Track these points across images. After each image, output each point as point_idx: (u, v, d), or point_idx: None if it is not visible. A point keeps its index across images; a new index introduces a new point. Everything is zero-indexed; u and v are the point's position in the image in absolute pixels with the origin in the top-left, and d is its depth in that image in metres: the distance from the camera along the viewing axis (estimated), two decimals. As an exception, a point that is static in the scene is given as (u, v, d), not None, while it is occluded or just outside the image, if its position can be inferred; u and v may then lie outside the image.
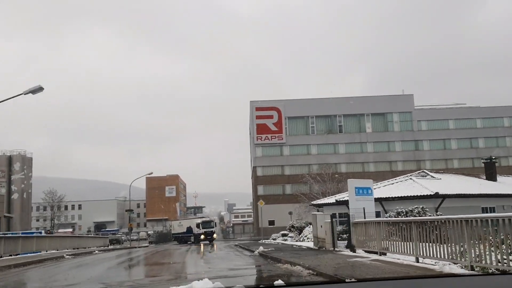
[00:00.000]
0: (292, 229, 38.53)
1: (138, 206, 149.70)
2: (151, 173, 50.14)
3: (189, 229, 54.60)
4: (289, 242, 31.16)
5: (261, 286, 2.75)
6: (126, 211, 50.72)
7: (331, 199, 27.61)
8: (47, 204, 75.36)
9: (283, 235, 36.65)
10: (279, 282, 2.74)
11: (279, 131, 67.48)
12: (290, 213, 47.95)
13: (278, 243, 29.35)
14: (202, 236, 51.66)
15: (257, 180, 67.33)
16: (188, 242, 52.96)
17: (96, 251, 30.34)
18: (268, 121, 67.64)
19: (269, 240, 37.00)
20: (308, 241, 25.84)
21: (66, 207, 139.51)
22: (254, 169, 68.12)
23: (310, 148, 67.92)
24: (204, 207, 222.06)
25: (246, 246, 27.62)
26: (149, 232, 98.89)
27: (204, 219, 57.42)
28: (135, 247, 44.19)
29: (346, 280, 2.40)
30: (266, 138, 67.43)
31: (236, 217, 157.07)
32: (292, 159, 67.26)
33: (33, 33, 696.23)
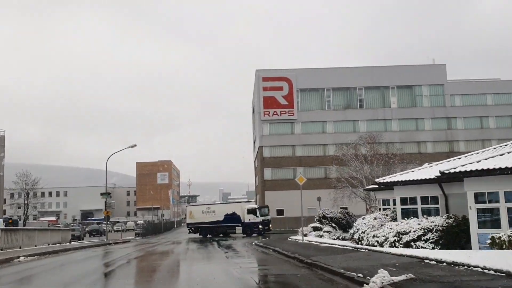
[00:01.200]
0: (323, 220, 28.42)
1: (128, 194, 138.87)
2: (135, 145, 39.58)
3: (231, 217, 42.89)
4: (334, 241, 20.84)
5: None
6: (101, 194, 40.26)
7: (419, 173, 17.15)
8: (20, 189, 64.38)
9: (316, 228, 26.50)
10: None
11: (290, 105, 57.06)
12: (319, 199, 37.81)
13: (344, 246, 18.46)
14: (261, 226, 40.79)
15: (263, 163, 57.04)
16: (219, 235, 43.31)
17: (21, 259, 18.97)
18: (277, 94, 57.17)
19: (297, 237, 26.59)
20: (377, 245, 15.67)
21: (50, 194, 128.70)
22: (259, 150, 57.83)
23: (326, 125, 57.61)
24: (198, 195, 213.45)
25: (290, 252, 16.65)
26: (138, 221, 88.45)
27: (257, 204, 45.61)
28: (110, 243, 33.28)
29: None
30: (275, 113, 57.01)
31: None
32: (304, 138, 56.99)
33: (23, 19, 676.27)
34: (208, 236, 43.22)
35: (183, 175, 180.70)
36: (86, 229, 62.58)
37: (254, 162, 71.97)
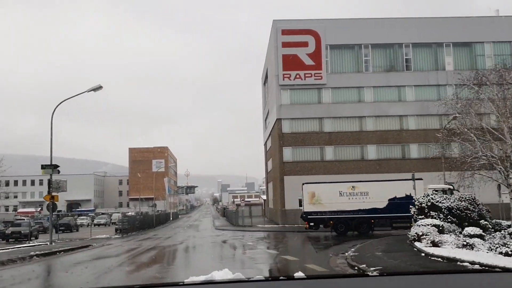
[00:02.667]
0: (432, 213, 15.62)
1: (121, 183, 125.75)
2: (99, 87, 25.87)
3: (406, 203, 23.95)
4: None
5: (281, 278, 2.23)
6: (42, 167, 26.80)
7: None
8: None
9: (442, 229, 13.63)
10: (300, 274, 2.44)
11: (317, 66, 44.03)
12: (413, 176, 24.86)
13: None
14: None
15: (282, 140, 44.06)
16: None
17: None
18: (300, 51, 44.07)
19: (423, 246, 12.96)
20: None
21: (32, 182, 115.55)
22: (277, 124, 44.79)
23: (363, 92, 44.59)
24: (197, 186, 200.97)
25: None
26: (129, 213, 75.56)
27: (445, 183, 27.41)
28: (31, 256, 18.84)
29: (369, 274, 2.23)
30: (298, 76, 43.96)
31: (235, 197, 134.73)
32: (335, 109, 44.02)
33: (20, 7, 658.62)
34: (354, 233, 27.73)
35: (180, 167, 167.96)
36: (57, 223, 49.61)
37: (265, 144, 59.18)
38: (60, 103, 25.94)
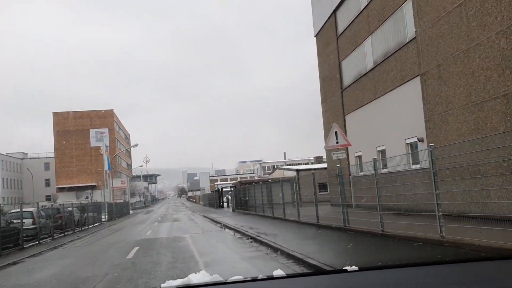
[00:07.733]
0: None
1: (48, 167, 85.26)
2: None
3: None
4: None
5: (260, 277, 2.16)
6: None
7: None
8: None
9: None
10: (279, 272, 2.42)
11: None
12: None
13: None
14: None
15: None
16: None
17: None
18: None
19: None
20: None
21: None
22: None
23: None
24: (159, 175, 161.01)
25: None
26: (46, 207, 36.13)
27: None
28: None
29: (348, 269, 2.12)
30: None
31: (223, 180, 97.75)
32: None
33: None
34: None
35: (136, 156, 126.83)
36: None
37: (322, 30, 22.63)
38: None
